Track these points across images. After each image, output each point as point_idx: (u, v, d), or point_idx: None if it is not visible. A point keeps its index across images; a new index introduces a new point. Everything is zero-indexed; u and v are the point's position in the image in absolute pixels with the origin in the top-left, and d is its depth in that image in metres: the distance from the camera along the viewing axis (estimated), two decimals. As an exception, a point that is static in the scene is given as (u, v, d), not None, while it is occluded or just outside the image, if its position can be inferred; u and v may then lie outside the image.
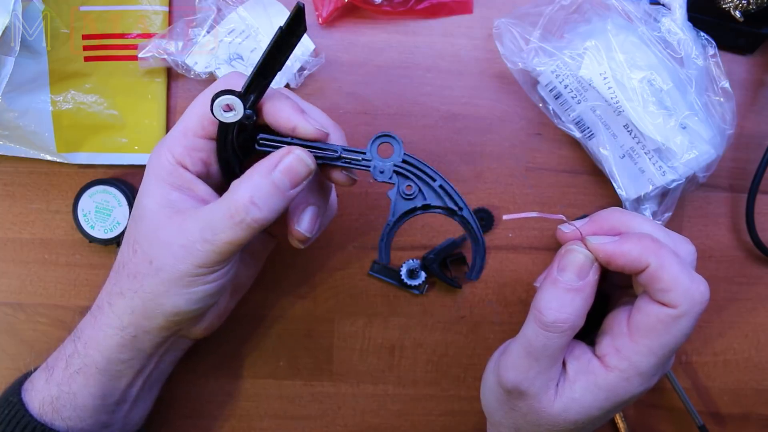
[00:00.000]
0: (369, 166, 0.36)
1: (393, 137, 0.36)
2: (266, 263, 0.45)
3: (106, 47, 0.46)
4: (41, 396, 0.38)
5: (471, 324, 0.48)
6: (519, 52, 0.45)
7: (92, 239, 0.46)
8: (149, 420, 0.43)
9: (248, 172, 0.35)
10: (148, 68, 0.46)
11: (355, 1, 0.45)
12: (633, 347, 0.34)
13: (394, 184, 0.37)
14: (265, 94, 0.35)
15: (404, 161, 0.36)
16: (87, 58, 0.46)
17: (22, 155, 0.46)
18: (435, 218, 0.48)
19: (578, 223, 0.37)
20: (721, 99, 0.44)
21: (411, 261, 0.47)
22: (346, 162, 0.36)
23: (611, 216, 0.37)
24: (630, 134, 0.44)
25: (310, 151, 0.35)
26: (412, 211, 0.37)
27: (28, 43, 0.43)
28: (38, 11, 0.43)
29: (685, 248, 0.36)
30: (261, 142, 0.36)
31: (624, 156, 0.45)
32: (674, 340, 0.33)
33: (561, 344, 0.35)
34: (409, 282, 0.47)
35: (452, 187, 0.36)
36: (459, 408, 0.49)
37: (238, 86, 0.34)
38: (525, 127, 0.48)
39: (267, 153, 0.36)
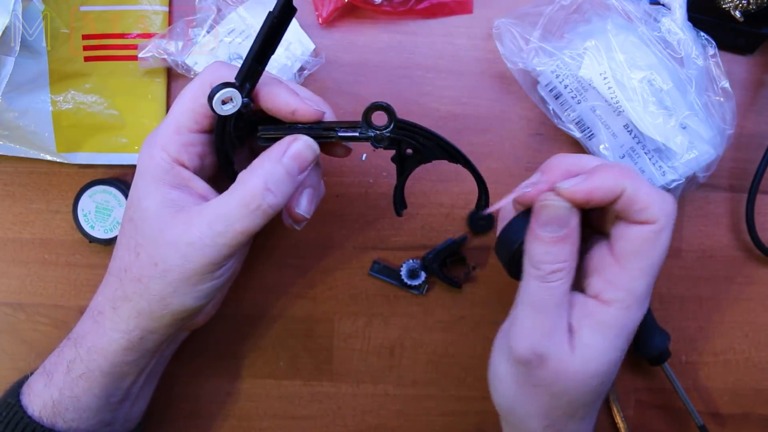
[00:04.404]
0: (367, 139, 0.37)
1: (383, 106, 0.36)
2: (266, 264, 0.45)
3: (106, 47, 0.46)
4: (41, 400, 0.37)
5: (471, 324, 0.48)
6: (519, 52, 0.45)
7: (92, 239, 0.46)
8: (147, 416, 0.43)
9: (257, 161, 0.35)
10: (148, 68, 0.46)
11: (355, 1, 0.45)
12: (625, 274, 0.34)
13: (394, 149, 0.37)
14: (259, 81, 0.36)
15: (398, 126, 0.36)
16: (87, 58, 0.46)
17: (22, 155, 0.46)
18: (435, 218, 0.48)
19: (533, 180, 0.36)
20: (721, 99, 0.44)
21: (411, 261, 0.47)
22: (345, 140, 0.37)
23: (561, 162, 0.36)
24: (630, 134, 0.44)
25: (311, 135, 0.36)
26: (417, 166, 0.38)
27: (28, 43, 0.43)
28: (38, 11, 0.43)
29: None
30: (262, 136, 0.37)
31: (624, 156, 0.45)
32: (660, 256, 0.34)
33: (565, 290, 0.34)
34: (409, 282, 0.47)
35: (447, 141, 0.37)
36: (459, 408, 0.49)
37: (228, 77, 0.35)
38: (525, 127, 0.48)
39: (268, 144, 0.36)
